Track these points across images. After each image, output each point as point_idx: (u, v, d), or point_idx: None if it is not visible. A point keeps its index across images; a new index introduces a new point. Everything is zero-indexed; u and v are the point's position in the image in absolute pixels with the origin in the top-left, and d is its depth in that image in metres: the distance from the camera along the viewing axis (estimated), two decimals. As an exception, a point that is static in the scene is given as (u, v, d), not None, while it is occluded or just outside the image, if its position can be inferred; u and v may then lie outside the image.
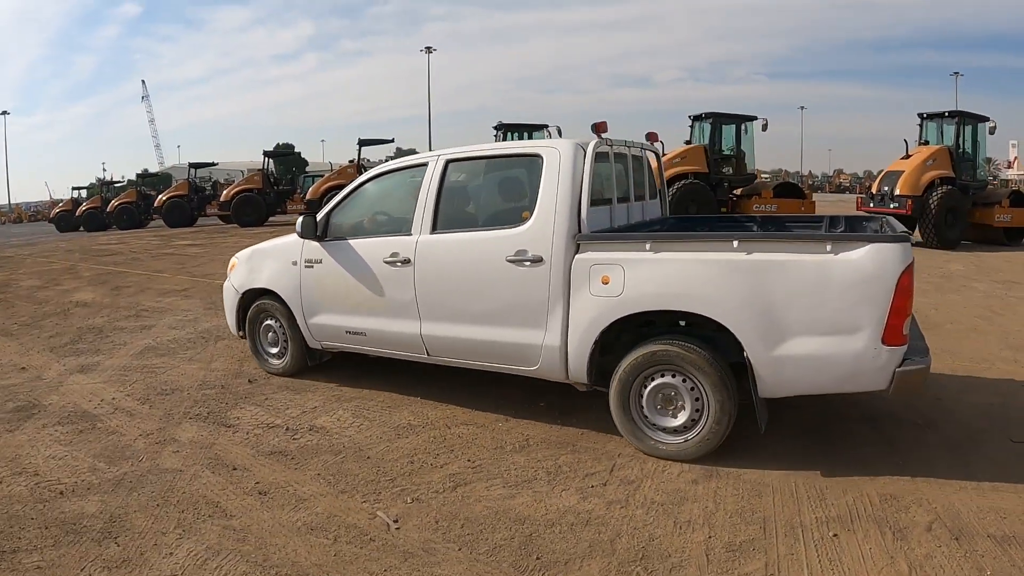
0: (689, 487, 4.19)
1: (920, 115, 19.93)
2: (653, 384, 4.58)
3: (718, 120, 20.92)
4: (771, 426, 4.79)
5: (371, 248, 5.62)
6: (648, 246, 4.54)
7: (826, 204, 33.52)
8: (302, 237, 5.96)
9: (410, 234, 5.41)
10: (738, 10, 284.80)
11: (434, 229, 5.34)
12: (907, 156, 18.83)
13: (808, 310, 4.18)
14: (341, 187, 24.75)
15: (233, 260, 6.93)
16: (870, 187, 20.82)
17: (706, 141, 20.65)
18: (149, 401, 5.90)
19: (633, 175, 6.01)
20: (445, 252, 5.28)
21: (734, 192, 21.06)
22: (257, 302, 6.57)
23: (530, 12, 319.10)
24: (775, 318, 4.23)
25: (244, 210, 29.79)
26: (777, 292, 4.22)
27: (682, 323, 4.61)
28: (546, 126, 24.77)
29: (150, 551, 3.57)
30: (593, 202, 4.92)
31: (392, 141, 33.22)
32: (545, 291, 4.80)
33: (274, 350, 6.60)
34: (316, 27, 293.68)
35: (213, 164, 38.14)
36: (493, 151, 5.77)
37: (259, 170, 31.32)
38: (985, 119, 19.35)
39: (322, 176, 29.54)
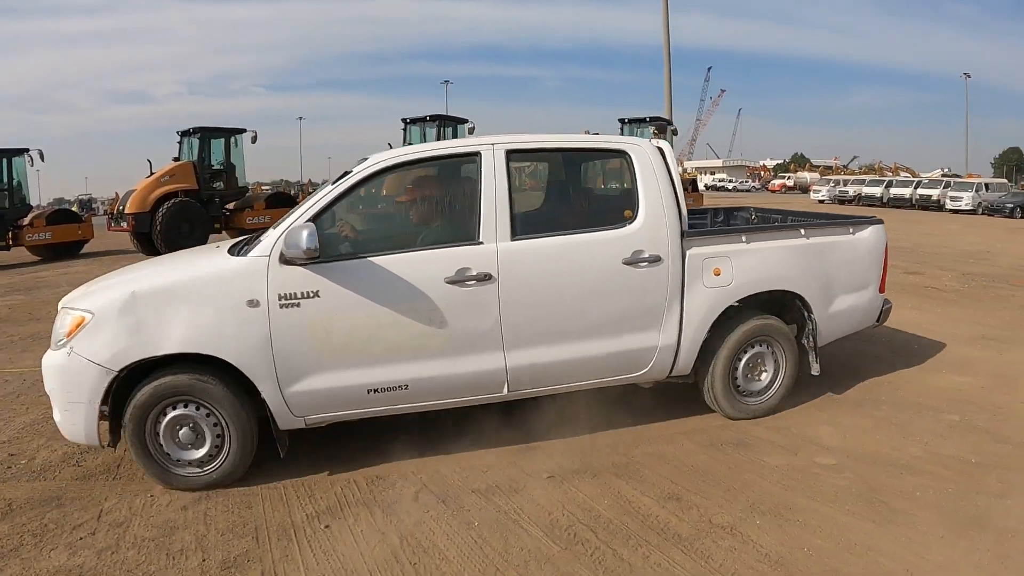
0: (179, 515, 4.08)
1: (404, 120, 22.46)
2: (748, 355, 5.20)
3: (206, 135, 20.71)
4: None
5: (418, 265, 4.32)
6: (744, 238, 5.07)
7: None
8: (288, 262, 4.15)
9: (480, 242, 4.41)
10: (238, 23, 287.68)
11: (514, 235, 4.46)
12: None
13: (846, 276, 5.47)
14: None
15: (77, 315, 4.21)
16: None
17: (195, 157, 20.33)
18: None
19: None
20: (542, 261, 4.51)
21: (227, 207, 21.12)
22: (153, 382, 4.17)
23: (19, 21, 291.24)
24: (829, 284, 5.36)
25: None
26: (829, 264, 5.37)
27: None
28: None
29: None
30: None
31: None
32: (663, 290, 4.77)
33: (198, 453, 4.32)
34: None
35: None
36: (563, 143, 5.18)
37: None
38: (464, 120, 22.60)
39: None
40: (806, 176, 70.91)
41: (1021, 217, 30.39)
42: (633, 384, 5.04)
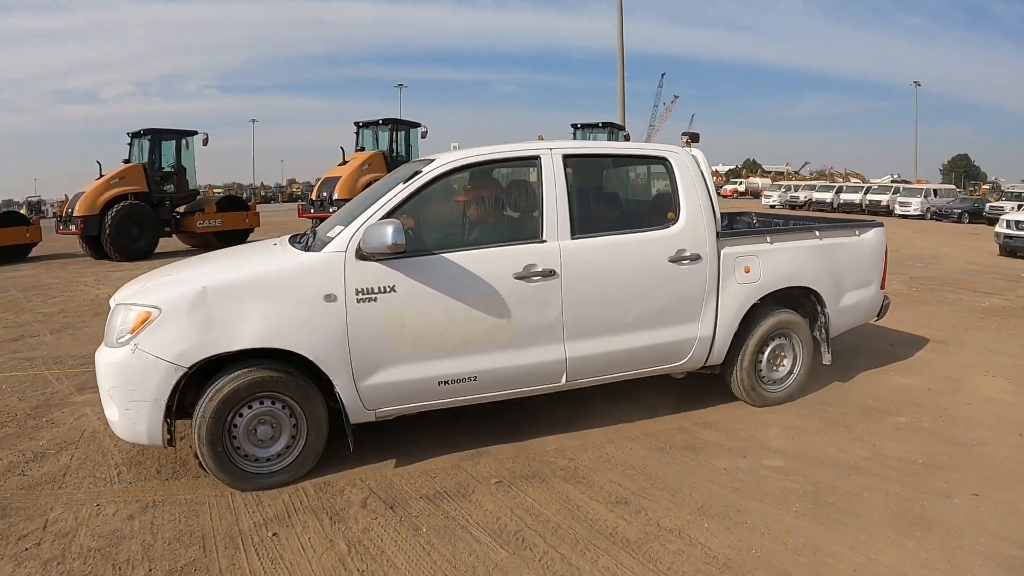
0: (125, 524, 3.99)
1: (356, 123, 22.09)
2: (771, 347, 5.57)
3: (157, 137, 20.48)
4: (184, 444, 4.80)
5: (488, 261, 4.51)
6: (769, 239, 5.47)
7: (278, 213, 34.68)
8: (364, 257, 4.23)
9: (543, 240, 4.66)
10: (190, 22, 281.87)
11: (573, 233, 4.71)
12: (344, 162, 20.61)
13: (853, 273, 5.95)
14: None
15: (142, 310, 4.15)
16: (312, 194, 21.66)
17: (146, 159, 20.10)
18: None
19: None
20: (599, 259, 4.78)
21: (177, 210, 20.87)
22: (240, 378, 4.16)
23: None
24: (839, 281, 5.82)
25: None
26: (839, 263, 5.83)
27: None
28: None
29: None
30: None
31: None
32: (702, 286, 5.10)
33: (277, 447, 4.33)
34: None
35: None
36: (610, 150, 5.84)
37: None
38: (417, 125, 22.33)
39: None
40: (758, 181, 71.57)
41: (969, 222, 31.12)
42: (666, 375, 5.41)
